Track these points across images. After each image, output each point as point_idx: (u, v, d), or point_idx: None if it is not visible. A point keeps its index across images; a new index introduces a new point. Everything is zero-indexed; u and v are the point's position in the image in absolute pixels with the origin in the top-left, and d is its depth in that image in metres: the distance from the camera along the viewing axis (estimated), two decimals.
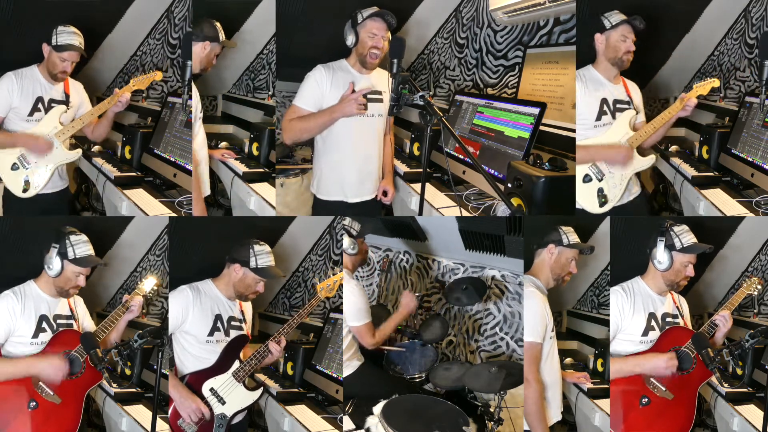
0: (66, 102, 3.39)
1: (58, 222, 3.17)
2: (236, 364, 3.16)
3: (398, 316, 3.57)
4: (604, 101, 3.18)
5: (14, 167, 3.32)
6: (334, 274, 3.43)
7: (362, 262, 3.56)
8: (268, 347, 3.18)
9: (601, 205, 3.09)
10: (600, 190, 3.10)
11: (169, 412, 3.07)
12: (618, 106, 3.20)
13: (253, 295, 3.23)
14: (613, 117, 3.19)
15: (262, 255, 3.17)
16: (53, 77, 3.34)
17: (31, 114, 3.32)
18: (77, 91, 3.46)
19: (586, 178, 3.10)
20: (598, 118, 3.18)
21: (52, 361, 2.96)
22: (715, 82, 3.22)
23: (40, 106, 3.33)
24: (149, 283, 3.26)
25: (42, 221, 3.33)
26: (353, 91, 3.28)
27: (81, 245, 3.05)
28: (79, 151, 3.43)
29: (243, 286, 3.18)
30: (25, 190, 3.33)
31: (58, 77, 3.34)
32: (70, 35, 3.29)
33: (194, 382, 3.11)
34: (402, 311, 3.59)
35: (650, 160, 3.18)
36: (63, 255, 3.00)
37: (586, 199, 3.12)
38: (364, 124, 3.35)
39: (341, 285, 3.40)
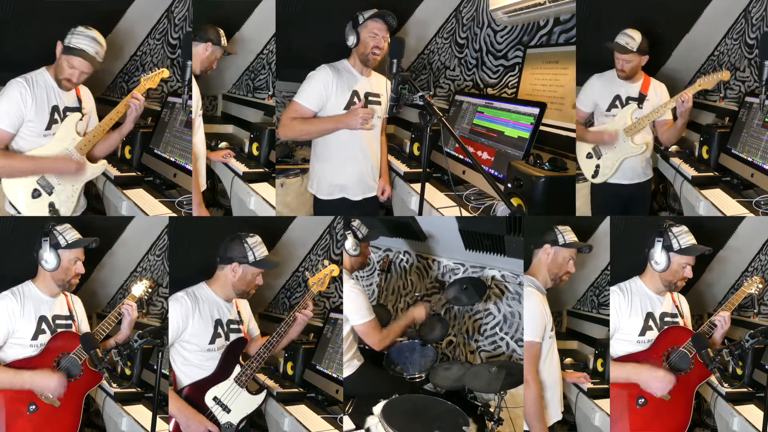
0: (80, 109, 3.01)
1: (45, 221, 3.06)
2: (237, 369, 3.09)
3: (405, 320, 3.52)
4: (617, 97, 3.49)
5: (35, 194, 2.92)
6: (324, 267, 3.31)
7: (362, 265, 3.54)
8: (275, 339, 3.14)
9: (593, 176, 3.53)
10: (597, 166, 3.52)
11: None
12: (629, 102, 3.47)
13: (254, 290, 3.18)
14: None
15: (257, 246, 3.11)
16: (58, 83, 2.94)
17: (48, 127, 2.89)
18: (88, 95, 3.13)
19: (588, 155, 3.54)
20: (608, 109, 3.50)
21: (52, 378, 2.92)
22: (725, 75, 3.29)
23: (56, 116, 2.88)
24: (139, 288, 3.24)
25: (38, 219, 3.32)
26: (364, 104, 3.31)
27: (68, 231, 3.01)
28: (104, 162, 3.11)
29: (244, 283, 3.12)
30: None
31: (62, 84, 2.92)
32: (85, 39, 2.89)
33: (195, 394, 3.02)
34: (410, 314, 3.54)
35: (639, 148, 3.45)
36: (56, 246, 2.97)
37: (586, 169, 3.56)
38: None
39: (333, 278, 3.32)
